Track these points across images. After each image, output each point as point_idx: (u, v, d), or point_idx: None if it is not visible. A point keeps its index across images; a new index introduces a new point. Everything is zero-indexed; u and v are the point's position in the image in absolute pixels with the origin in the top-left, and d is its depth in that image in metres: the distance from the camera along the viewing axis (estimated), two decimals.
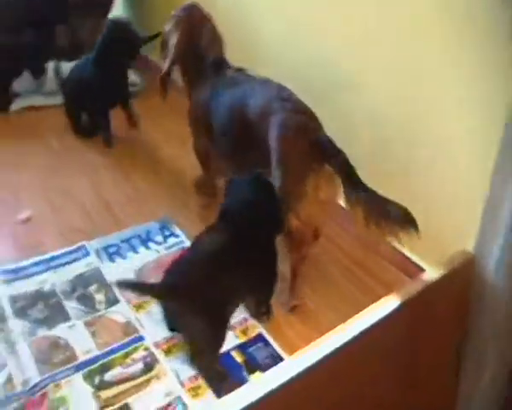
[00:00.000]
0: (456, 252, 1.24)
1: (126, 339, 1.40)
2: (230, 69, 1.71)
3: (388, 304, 1.11)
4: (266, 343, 1.41)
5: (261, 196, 1.40)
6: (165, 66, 1.72)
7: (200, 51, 1.72)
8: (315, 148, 1.39)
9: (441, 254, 1.26)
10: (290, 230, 1.43)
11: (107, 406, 1.25)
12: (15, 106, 2.43)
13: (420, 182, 1.54)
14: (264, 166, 1.46)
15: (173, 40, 1.72)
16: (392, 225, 1.28)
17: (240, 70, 1.70)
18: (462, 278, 1.24)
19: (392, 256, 1.65)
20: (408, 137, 1.55)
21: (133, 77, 2.60)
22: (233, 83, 1.63)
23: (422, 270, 1.53)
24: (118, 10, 2.95)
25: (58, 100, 2.40)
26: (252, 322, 1.46)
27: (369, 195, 1.32)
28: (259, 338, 1.43)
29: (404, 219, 1.27)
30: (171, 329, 1.35)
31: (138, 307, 1.49)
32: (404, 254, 1.62)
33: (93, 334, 1.41)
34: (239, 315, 1.46)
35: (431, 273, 1.18)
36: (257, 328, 1.45)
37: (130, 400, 1.26)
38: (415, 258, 1.61)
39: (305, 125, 1.43)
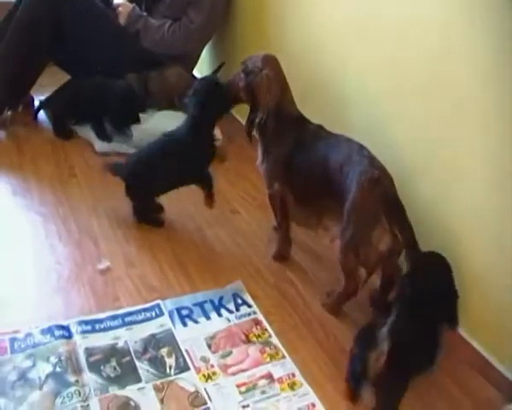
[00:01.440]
0: None
1: None
2: (312, 125, 1.85)
3: None
4: None
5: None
6: (259, 117, 1.85)
7: (285, 107, 1.85)
8: (385, 202, 1.58)
9: None
10: (347, 267, 1.68)
11: None
12: (101, 147, 2.52)
13: None
14: (334, 213, 1.70)
15: (265, 96, 1.83)
16: None
17: (320, 126, 1.85)
18: None
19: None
20: None
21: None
22: (317, 136, 1.81)
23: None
24: (203, 63, 3.05)
25: None
26: (318, 408, 1.45)
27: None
28: None
29: None
30: None
31: (207, 377, 1.51)
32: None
33: (161, 401, 1.43)
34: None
35: None
36: None
37: None
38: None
39: (378, 179, 1.60)
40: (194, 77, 2.91)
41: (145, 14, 2.82)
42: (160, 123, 2.55)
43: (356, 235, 1.63)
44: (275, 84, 1.85)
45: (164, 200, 2.13)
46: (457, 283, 1.51)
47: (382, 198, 1.59)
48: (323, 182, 1.73)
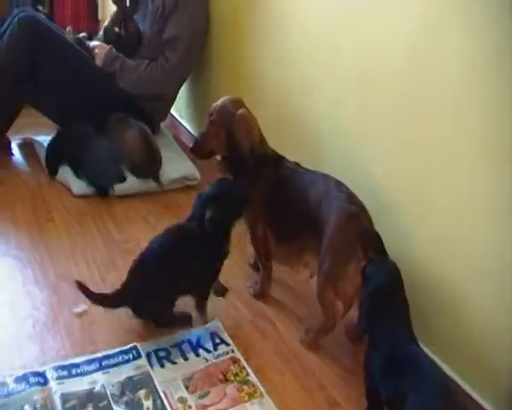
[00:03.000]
0: None
1: None
2: (289, 162, 1.88)
3: None
4: None
5: None
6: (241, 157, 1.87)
7: (259, 147, 1.88)
8: (362, 237, 1.60)
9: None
10: (325, 301, 1.68)
11: None
12: (79, 190, 2.51)
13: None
14: (314, 249, 1.71)
15: (247, 135, 1.87)
16: None
17: (297, 164, 1.88)
18: None
19: None
20: None
21: (191, 170, 2.69)
22: (295, 174, 1.84)
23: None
24: (180, 102, 3.08)
25: (126, 189, 2.53)
26: None
27: None
28: None
29: None
30: None
31: None
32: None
33: None
34: None
35: None
36: None
37: None
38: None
39: (356, 215, 1.63)
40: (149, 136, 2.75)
41: (122, 55, 2.85)
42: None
43: (332, 269, 1.65)
44: (253, 122, 1.89)
45: (136, 232, 2.16)
46: (430, 308, 1.60)
47: (359, 233, 1.62)
48: (303, 218, 1.76)
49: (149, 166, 2.58)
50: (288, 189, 1.82)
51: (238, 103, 1.91)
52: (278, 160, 1.90)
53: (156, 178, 2.57)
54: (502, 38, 1.38)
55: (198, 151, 2.00)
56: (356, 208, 1.65)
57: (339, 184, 1.74)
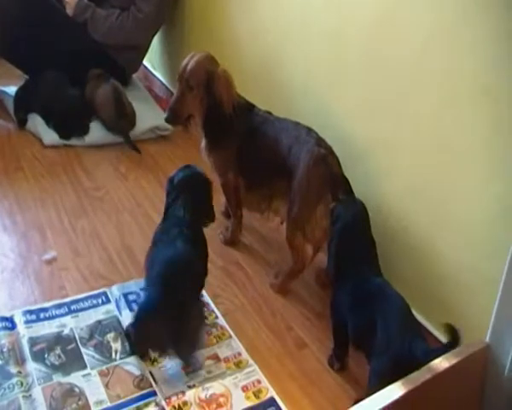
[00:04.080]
0: (472, 341, 1.24)
1: (138, 393, 1.42)
2: (261, 111, 1.88)
3: (399, 389, 1.11)
4: (278, 409, 1.42)
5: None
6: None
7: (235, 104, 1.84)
8: (330, 179, 1.62)
9: None
10: (294, 244, 1.71)
11: None
12: (50, 141, 2.48)
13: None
14: (284, 195, 1.73)
15: (228, 92, 1.83)
16: None
17: (269, 112, 1.88)
18: (476, 367, 1.23)
19: None
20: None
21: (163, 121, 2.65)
22: (266, 122, 1.83)
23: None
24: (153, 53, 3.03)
25: (98, 140, 2.50)
26: (264, 385, 1.47)
27: None
28: (271, 402, 1.43)
29: None
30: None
31: (153, 361, 1.51)
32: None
33: (107, 386, 1.43)
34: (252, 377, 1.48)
35: (444, 361, 1.18)
36: (269, 392, 1.46)
37: None
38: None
39: (324, 157, 1.64)
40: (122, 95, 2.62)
41: (93, 4, 2.78)
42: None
43: (301, 212, 1.66)
44: (232, 79, 1.85)
45: (106, 180, 2.18)
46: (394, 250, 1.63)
47: (327, 175, 1.63)
48: (273, 165, 1.76)
49: (120, 125, 2.54)
50: (260, 136, 1.82)
51: (213, 61, 1.85)
52: (250, 108, 1.89)
53: (126, 137, 2.53)
54: None
55: (175, 118, 1.92)
56: (324, 151, 1.66)
57: (309, 130, 1.74)
